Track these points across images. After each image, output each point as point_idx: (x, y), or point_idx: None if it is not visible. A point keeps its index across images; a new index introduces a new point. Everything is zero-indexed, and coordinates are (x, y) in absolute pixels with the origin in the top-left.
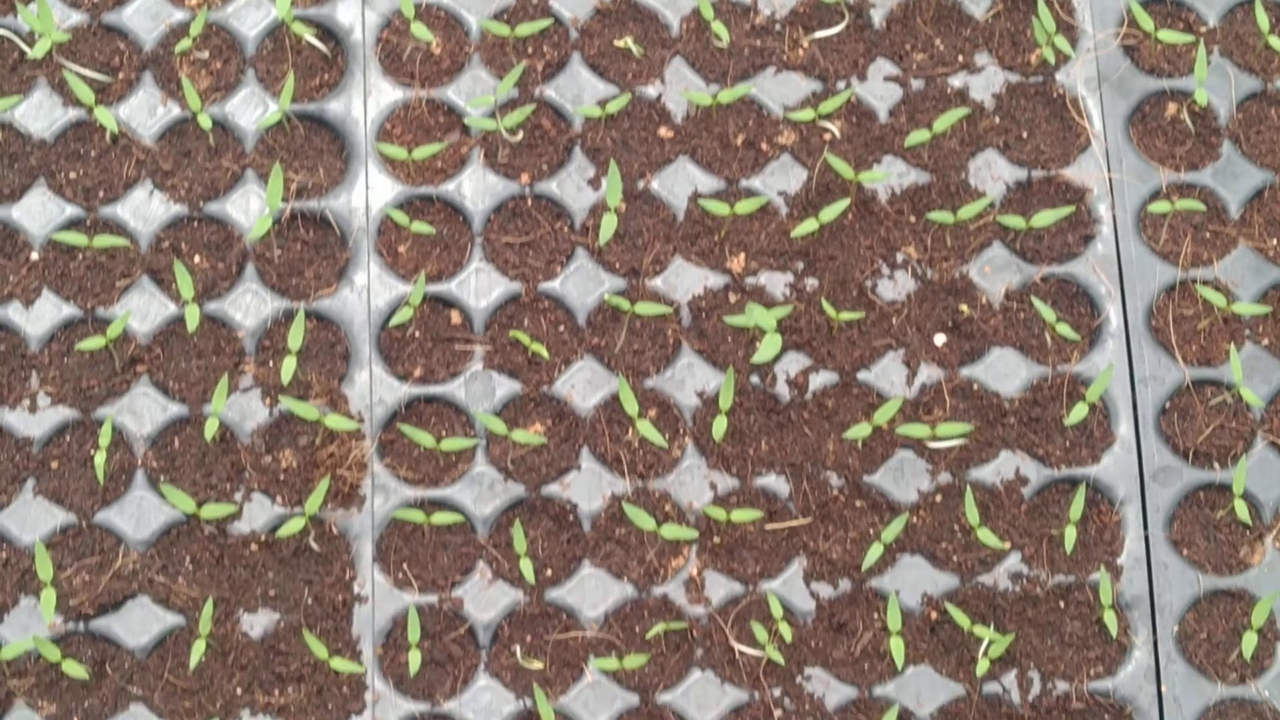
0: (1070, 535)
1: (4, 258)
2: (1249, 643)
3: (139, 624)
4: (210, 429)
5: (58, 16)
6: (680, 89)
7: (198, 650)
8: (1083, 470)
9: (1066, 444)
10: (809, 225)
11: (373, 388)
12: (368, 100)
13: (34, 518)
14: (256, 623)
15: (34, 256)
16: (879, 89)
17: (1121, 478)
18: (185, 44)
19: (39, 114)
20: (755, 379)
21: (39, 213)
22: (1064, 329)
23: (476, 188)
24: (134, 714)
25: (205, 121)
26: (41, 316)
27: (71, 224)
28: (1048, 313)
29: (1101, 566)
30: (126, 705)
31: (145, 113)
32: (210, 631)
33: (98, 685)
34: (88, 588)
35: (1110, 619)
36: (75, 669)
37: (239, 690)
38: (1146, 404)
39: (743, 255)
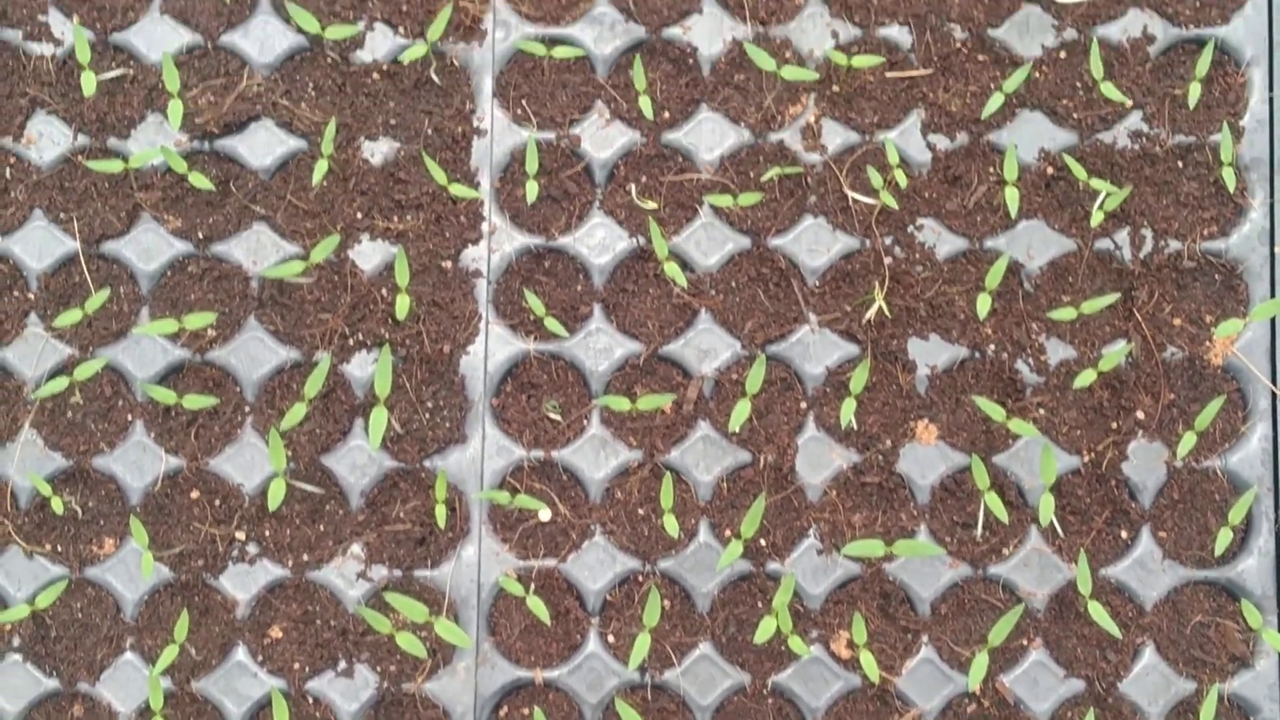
0: (1194, 92)
1: None
2: None
3: (262, 145)
4: None
5: None
6: None
7: (320, 170)
8: (1211, 30)
9: (1197, 3)
10: None
11: None
12: None
13: (161, 36)
14: (377, 150)
15: None
16: None
17: (1250, 38)
18: None
19: None
20: None
21: None
22: None
23: None
24: (256, 231)
25: None
26: None
27: None
28: None
29: (1224, 125)
30: (249, 223)
31: None
32: (332, 155)
33: (221, 202)
34: (212, 108)
35: (1229, 176)
36: (201, 180)
37: (359, 214)
38: None
39: None
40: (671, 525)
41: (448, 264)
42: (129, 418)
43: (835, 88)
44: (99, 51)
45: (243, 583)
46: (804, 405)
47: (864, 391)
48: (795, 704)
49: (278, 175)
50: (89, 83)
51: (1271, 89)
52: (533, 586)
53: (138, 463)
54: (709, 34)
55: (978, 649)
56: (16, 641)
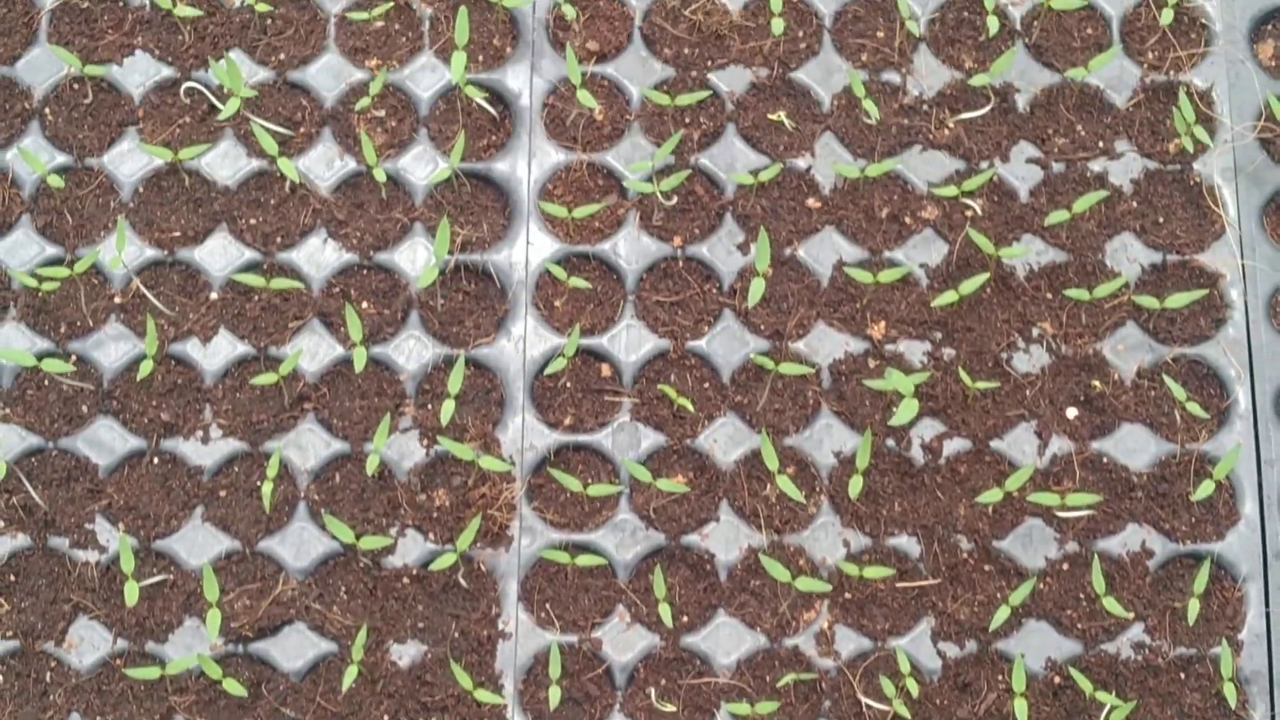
0: (1193, 608)
1: (186, 296)
2: None
3: (295, 648)
4: (371, 465)
5: (246, 73)
6: (829, 162)
7: (349, 676)
8: (1207, 546)
9: (1192, 520)
10: (949, 297)
11: (524, 433)
12: (532, 161)
13: (201, 543)
14: (405, 653)
15: (214, 296)
16: (1020, 170)
17: (1245, 555)
18: (364, 102)
19: (225, 162)
20: (891, 442)
21: (220, 255)
22: (1194, 408)
23: (631, 248)
24: None
25: (380, 175)
26: (218, 353)
27: (250, 266)
28: (1179, 391)
29: (1223, 640)
30: None
31: (324, 165)
32: (361, 659)
33: (254, 705)
34: (248, 611)
35: (1230, 692)
36: (235, 687)
37: (386, 717)
38: (1272, 485)
39: (883, 323)
40: None
41: None
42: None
43: (848, 594)
44: (141, 557)
45: None
46: None
47: None
48: None
49: (308, 678)
50: (131, 592)
51: (1268, 604)
52: None
53: None
54: (726, 541)
55: None
56: None
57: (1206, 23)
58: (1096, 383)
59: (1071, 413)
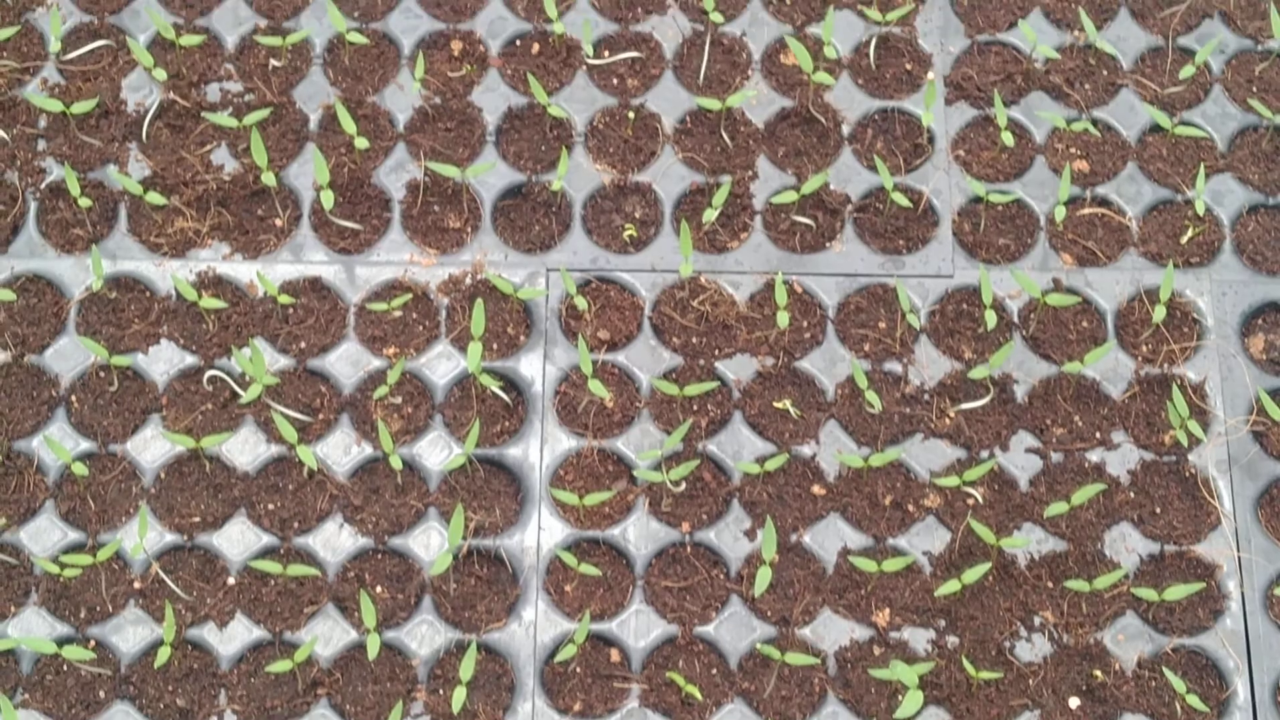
0: None
1: (204, 581)
2: None
3: None
4: None
5: (266, 360)
6: (833, 450)
7: None
8: None
9: None
10: (952, 586)
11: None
12: (544, 447)
13: None
14: None
15: (231, 581)
16: (1020, 459)
17: None
18: (382, 391)
19: (245, 449)
20: None
21: (238, 540)
22: (1194, 700)
23: (640, 534)
24: None
25: (396, 462)
26: (234, 638)
27: (267, 552)
28: (1178, 683)
29: None
30: None
31: (341, 451)
32: None
33: None
34: None
35: None
36: None
37: None
38: None
39: (887, 610)
40: None
41: None
42: None
43: None
44: None
45: None
46: None
47: None
48: None
49: None
50: None
51: None
52: None
53: None
54: None
55: None
56: None
57: (1198, 317)
58: (1098, 672)
59: (1074, 703)
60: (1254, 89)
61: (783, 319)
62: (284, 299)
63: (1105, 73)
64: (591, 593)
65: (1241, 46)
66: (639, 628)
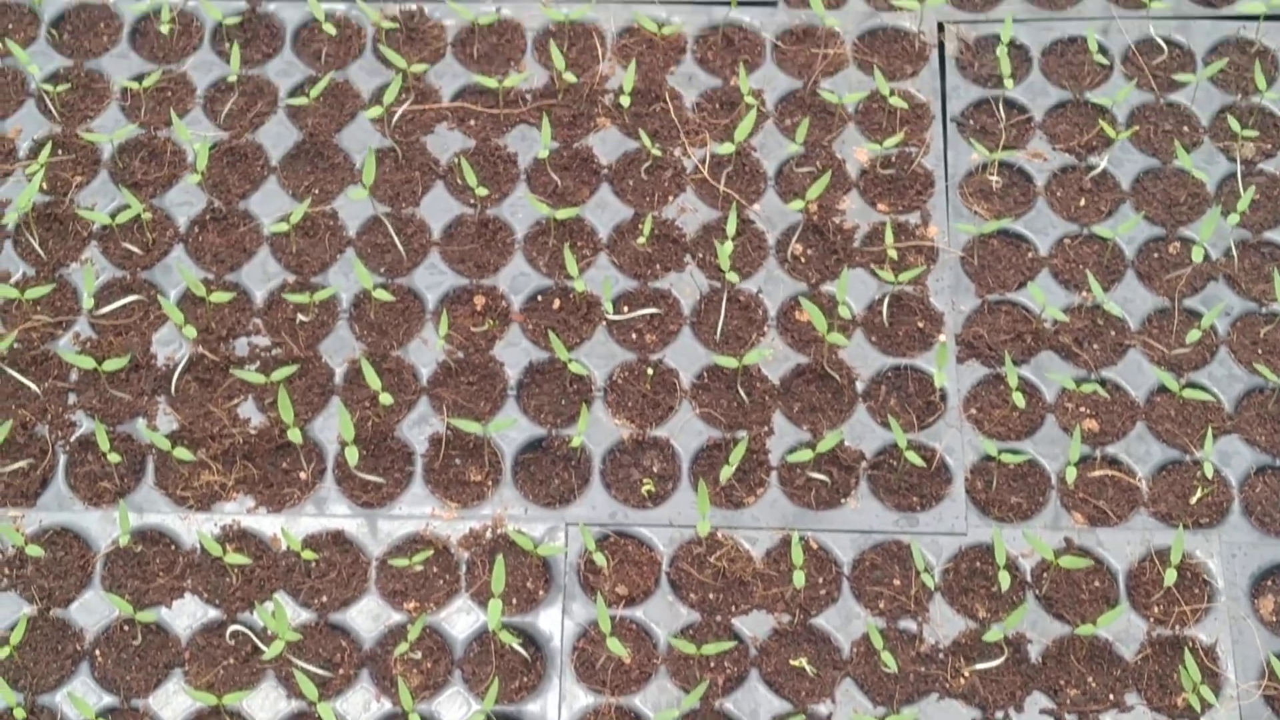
0: None
1: None
2: None
3: None
4: None
5: (289, 615)
6: (849, 709)
7: None
8: None
9: None
10: None
11: None
12: (562, 704)
13: None
14: None
15: None
16: None
17: None
18: (402, 648)
19: (265, 705)
20: None
21: None
22: None
23: None
24: None
25: (415, 719)
26: None
27: None
28: None
29: None
30: None
31: (360, 708)
32: None
33: None
34: None
35: None
36: None
37: None
38: None
39: None
40: None
41: None
42: None
43: None
44: None
45: None
46: None
47: None
48: None
49: None
50: None
51: None
52: None
53: None
54: None
55: None
56: None
57: (1209, 578)
58: None
59: None
60: (1259, 351)
61: (799, 578)
62: (307, 554)
63: (1113, 333)
64: None
65: (1246, 309)
66: None
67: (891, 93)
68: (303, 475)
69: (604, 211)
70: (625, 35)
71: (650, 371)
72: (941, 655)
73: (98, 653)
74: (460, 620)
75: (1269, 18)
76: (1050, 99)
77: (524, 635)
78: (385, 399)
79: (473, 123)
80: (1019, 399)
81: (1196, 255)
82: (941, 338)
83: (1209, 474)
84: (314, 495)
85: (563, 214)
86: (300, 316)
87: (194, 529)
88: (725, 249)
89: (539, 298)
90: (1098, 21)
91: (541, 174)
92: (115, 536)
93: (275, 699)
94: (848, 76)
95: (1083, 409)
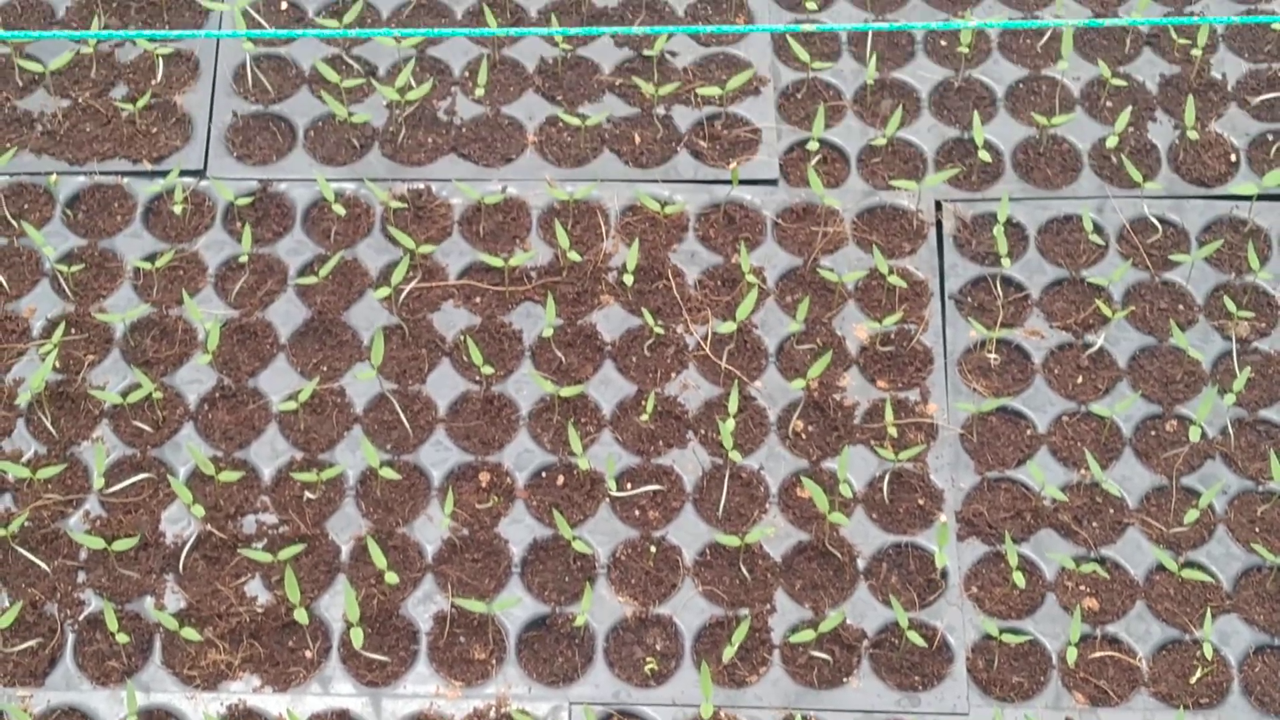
0: None
1: None
2: None
3: None
4: None
5: None
6: None
7: None
8: None
9: None
10: None
11: None
12: None
13: None
14: None
15: None
16: None
17: None
18: None
19: None
20: None
21: None
22: None
23: None
24: None
25: None
26: None
27: None
28: None
29: None
30: None
31: None
32: None
33: None
34: None
35: None
36: None
37: None
38: None
39: None
40: None
41: None
42: None
43: None
44: None
45: None
46: None
47: None
48: None
49: None
50: None
51: None
52: None
53: None
54: None
55: None
56: None
57: None
58: None
59: None
60: (1256, 530)
61: None
62: None
63: (1112, 511)
64: None
65: (1243, 487)
66: None
67: (890, 270)
68: (308, 654)
69: (607, 388)
70: (628, 213)
71: (653, 549)
72: None
73: None
74: None
75: (1261, 198)
76: (1047, 277)
77: None
78: (391, 577)
79: (478, 300)
80: (1019, 578)
81: (1194, 434)
82: (942, 516)
83: (1208, 654)
84: (319, 674)
85: (567, 391)
86: (308, 494)
87: (200, 709)
88: (727, 426)
89: (543, 474)
90: (1093, 201)
91: (546, 351)
92: (123, 716)
93: None
94: (847, 254)
95: (1082, 587)
